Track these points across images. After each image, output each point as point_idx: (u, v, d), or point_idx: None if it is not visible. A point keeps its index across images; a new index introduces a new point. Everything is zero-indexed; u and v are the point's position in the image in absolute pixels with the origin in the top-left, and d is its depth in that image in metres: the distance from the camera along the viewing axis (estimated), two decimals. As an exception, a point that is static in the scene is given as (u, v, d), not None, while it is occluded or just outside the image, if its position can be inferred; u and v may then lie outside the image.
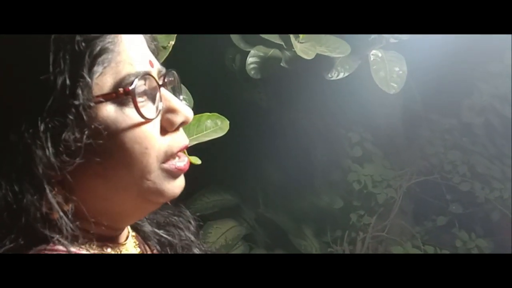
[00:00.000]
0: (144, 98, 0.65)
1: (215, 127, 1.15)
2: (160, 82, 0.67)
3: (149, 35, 0.72)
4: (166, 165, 0.67)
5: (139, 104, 0.63)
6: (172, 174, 0.67)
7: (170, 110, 0.67)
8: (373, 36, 1.58)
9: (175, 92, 0.72)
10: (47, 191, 0.59)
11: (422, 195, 2.97)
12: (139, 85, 0.63)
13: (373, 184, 2.71)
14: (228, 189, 2.90)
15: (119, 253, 0.71)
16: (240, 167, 3.02)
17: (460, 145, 2.87)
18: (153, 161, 0.65)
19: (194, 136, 1.13)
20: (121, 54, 0.64)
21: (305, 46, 1.46)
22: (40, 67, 0.59)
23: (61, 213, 0.61)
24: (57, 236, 0.60)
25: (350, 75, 2.23)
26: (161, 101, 0.67)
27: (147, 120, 0.63)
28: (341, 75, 1.58)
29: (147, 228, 0.83)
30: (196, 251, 0.85)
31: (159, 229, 0.84)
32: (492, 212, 2.77)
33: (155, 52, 0.73)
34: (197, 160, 1.07)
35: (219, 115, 1.17)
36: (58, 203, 0.61)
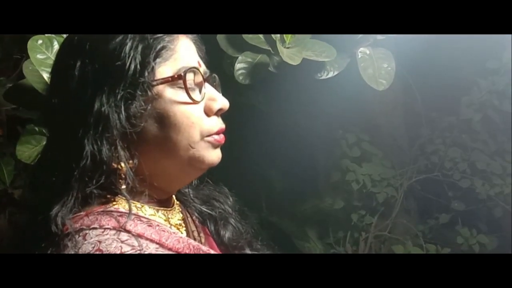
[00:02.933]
0: (192, 86, 0.84)
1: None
2: (205, 77, 0.87)
3: (198, 44, 0.92)
4: (207, 138, 0.85)
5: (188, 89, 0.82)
6: (212, 145, 0.85)
7: (211, 99, 0.86)
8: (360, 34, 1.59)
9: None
10: (119, 147, 0.79)
11: (424, 193, 2.97)
12: (189, 75, 0.83)
13: (372, 183, 2.71)
14: (231, 194, 2.90)
15: (167, 216, 0.88)
16: (242, 171, 3.03)
17: (459, 142, 2.87)
18: (197, 134, 0.83)
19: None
20: (178, 52, 0.84)
21: (292, 51, 1.46)
22: (119, 55, 0.79)
23: (128, 168, 0.80)
24: (124, 187, 0.80)
25: (346, 76, 2.23)
26: (205, 91, 0.86)
27: (194, 102, 0.83)
28: (331, 74, 1.58)
29: (191, 199, 1.00)
30: (232, 221, 1.02)
31: (201, 205, 1.00)
32: (493, 208, 2.76)
33: (203, 58, 0.91)
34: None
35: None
36: (126, 159, 0.80)
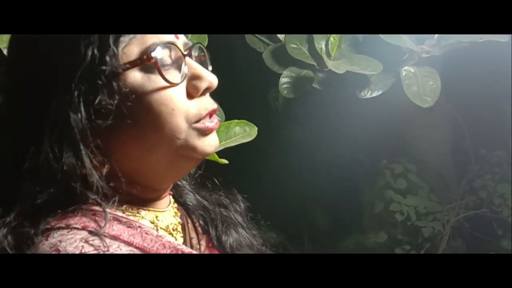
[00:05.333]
0: (169, 66, 0.68)
1: (244, 133, 1.18)
2: (185, 53, 0.71)
3: None
4: (197, 124, 0.70)
5: (163, 71, 0.67)
6: (203, 132, 0.71)
7: (194, 77, 0.71)
8: (406, 55, 1.60)
9: (204, 65, 0.74)
10: (83, 152, 0.65)
11: (471, 230, 2.88)
12: (163, 53, 0.68)
13: (417, 216, 2.65)
14: (273, 228, 2.90)
15: (155, 217, 0.75)
16: (285, 205, 3.03)
17: (509, 177, 2.79)
18: (181, 121, 0.68)
19: (223, 142, 1.16)
20: None
21: (337, 62, 1.49)
22: (72, 40, 0.65)
23: (96, 175, 0.66)
24: (95, 196, 0.66)
25: (396, 109, 2.22)
26: (186, 68, 0.70)
27: (172, 84, 0.67)
28: (375, 93, 1.58)
29: (192, 201, 0.86)
30: (239, 229, 0.87)
31: (203, 199, 0.87)
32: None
33: None
34: (224, 161, 1.11)
35: (247, 122, 1.20)
36: (94, 166, 0.66)
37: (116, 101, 0.65)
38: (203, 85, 0.71)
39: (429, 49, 1.51)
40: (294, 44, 1.58)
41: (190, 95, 0.70)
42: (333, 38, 1.53)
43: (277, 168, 3.11)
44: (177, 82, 0.68)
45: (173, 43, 0.69)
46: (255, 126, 1.20)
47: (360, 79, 1.60)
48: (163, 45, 0.68)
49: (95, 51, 0.64)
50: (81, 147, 0.65)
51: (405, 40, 1.49)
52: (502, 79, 2.41)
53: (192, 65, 0.71)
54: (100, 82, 0.64)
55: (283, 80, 1.57)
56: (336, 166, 3.08)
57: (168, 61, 0.68)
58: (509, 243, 2.76)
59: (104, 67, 0.64)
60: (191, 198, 0.86)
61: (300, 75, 1.58)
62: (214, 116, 0.73)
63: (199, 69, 0.71)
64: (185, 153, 0.70)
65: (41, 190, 0.65)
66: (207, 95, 0.73)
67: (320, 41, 1.56)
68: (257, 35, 1.69)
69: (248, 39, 1.70)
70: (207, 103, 0.72)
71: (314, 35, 1.56)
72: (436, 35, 1.50)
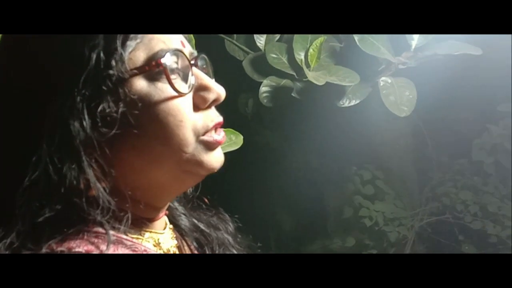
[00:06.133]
0: (176, 75, 0.66)
1: (230, 142, 1.20)
2: (192, 62, 0.68)
3: None
4: (204, 137, 0.67)
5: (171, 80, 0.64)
6: (210, 146, 0.68)
7: (202, 88, 0.68)
8: (383, 65, 1.65)
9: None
10: (85, 163, 0.60)
11: (434, 235, 2.95)
12: (171, 61, 0.65)
13: (385, 221, 2.71)
14: (239, 232, 2.91)
15: (157, 240, 0.72)
16: (251, 209, 3.04)
17: (471, 185, 2.88)
18: (189, 134, 0.65)
19: (210, 151, 1.18)
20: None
21: (317, 74, 1.52)
22: (75, 42, 0.61)
23: (101, 189, 0.62)
24: (97, 212, 0.62)
25: (363, 117, 2.27)
26: (193, 78, 0.68)
27: (180, 94, 0.64)
28: (353, 102, 1.63)
29: (185, 223, 0.83)
30: (233, 250, 0.85)
31: (198, 221, 0.85)
32: (504, 251, 2.74)
33: (186, 38, 0.73)
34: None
35: (233, 130, 1.21)
36: (97, 177, 0.62)
37: (121, 109, 0.61)
38: (211, 96, 0.68)
39: (405, 61, 1.57)
40: (274, 54, 1.61)
41: (196, 107, 0.67)
42: (312, 50, 1.57)
43: (243, 173, 3.12)
44: (185, 92, 0.65)
45: (180, 50, 0.67)
46: (241, 135, 1.21)
47: (338, 88, 1.65)
48: (171, 52, 0.65)
49: (101, 54, 0.60)
50: (83, 157, 0.60)
51: (383, 51, 1.54)
52: (468, 90, 2.49)
53: (199, 75, 0.69)
54: (105, 88, 0.60)
55: (262, 89, 1.60)
56: (304, 172, 3.11)
57: (175, 69, 0.66)
58: (469, 247, 2.85)
59: (110, 72, 0.60)
60: (184, 220, 0.84)
61: (280, 84, 1.61)
62: (220, 130, 0.71)
63: (207, 79, 0.69)
64: (191, 169, 0.67)
65: (42, 207, 0.60)
66: (213, 107, 0.70)
67: (300, 52, 1.59)
68: (237, 43, 1.71)
69: (228, 47, 1.72)
70: (213, 116, 0.69)
71: (294, 46, 1.59)
72: (413, 47, 1.55)
